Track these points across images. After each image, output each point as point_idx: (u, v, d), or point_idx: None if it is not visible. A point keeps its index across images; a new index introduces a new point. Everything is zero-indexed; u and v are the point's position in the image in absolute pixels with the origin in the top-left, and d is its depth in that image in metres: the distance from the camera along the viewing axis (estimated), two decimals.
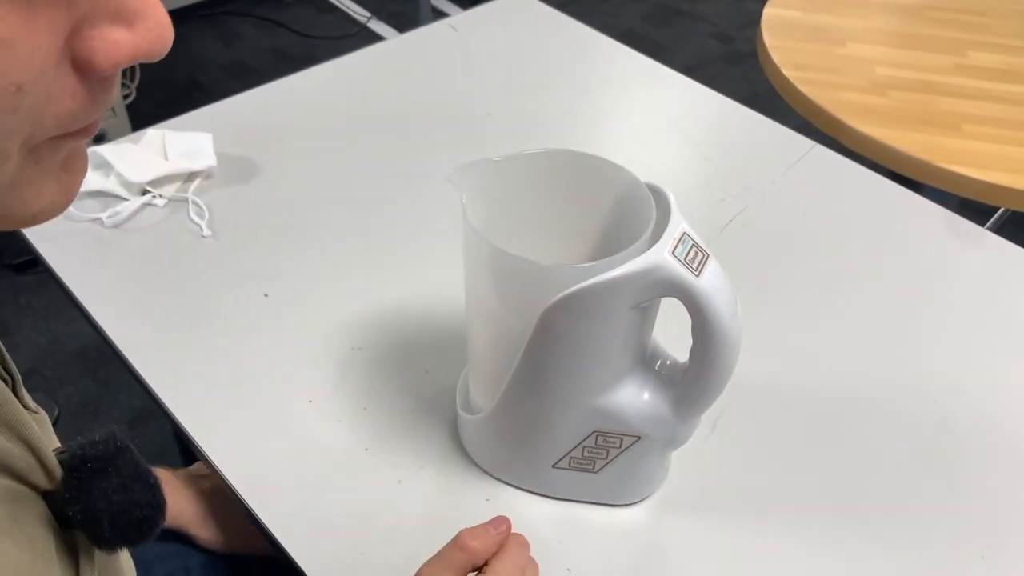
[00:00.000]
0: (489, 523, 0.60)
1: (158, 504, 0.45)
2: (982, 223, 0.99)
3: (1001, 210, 1.80)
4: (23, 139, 0.31)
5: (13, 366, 0.46)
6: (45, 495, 0.43)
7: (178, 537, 0.82)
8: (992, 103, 1.26)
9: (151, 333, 0.83)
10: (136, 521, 0.43)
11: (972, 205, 1.17)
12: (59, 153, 0.34)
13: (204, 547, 0.83)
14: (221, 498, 0.82)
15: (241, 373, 0.79)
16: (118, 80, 0.34)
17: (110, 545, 0.44)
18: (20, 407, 0.42)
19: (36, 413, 0.46)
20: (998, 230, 0.99)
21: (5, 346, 0.48)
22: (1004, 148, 1.18)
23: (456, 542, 0.58)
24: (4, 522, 0.38)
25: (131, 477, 0.44)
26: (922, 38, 1.40)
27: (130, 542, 0.44)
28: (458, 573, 0.58)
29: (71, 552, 0.44)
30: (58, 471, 0.43)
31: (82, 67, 0.31)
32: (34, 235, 0.92)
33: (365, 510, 0.69)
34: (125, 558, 0.55)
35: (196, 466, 0.88)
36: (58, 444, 0.46)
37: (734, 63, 2.78)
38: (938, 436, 0.77)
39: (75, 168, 0.36)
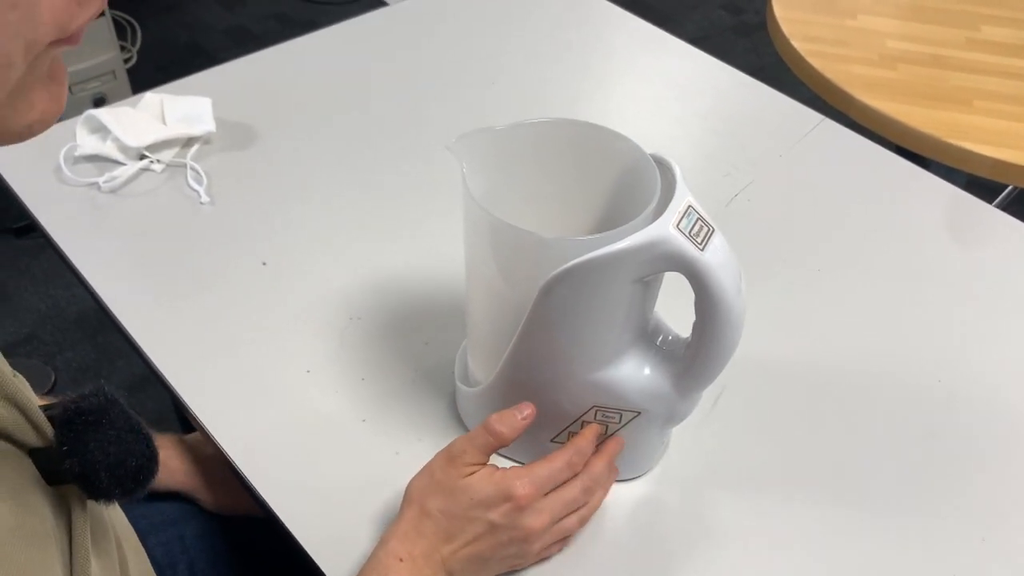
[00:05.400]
0: (515, 408, 0.62)
1: (152, 454, 0.46)
2: (990, 201, 0.98)
3: (1009, 188, 1.79)
4: (27, 43, 0.34)
5: None
6: (32, 453, 0.43)
7: (175, 499, 0.83)
8: (1005, 79, 1.24)
9: (148, 300, 0.82)
10: (132, 471, 0.44)
11: (980, 182, 1.15)
12: (47, 61, 0.37)
13: (207, 509, 0.83)
14: (223, 463, 0.82)
15: (238, 341, 0.79)
16: None
17: (107, 496, 0.44)
18: (1, 367, 0.42)
19: (15, 376, 0.46)
20: (1005, 208, 0.97)
21: (4, 311, 0.48)
22: (1015, 125, 1.16)
23: (484, 424, 0.61)
24: None
25: (124, 428, 0.44)
26: (934, 11, 1.38)
27: (127, 493, 0.45)
28: (482, 450, 0.61)
29: (62, 507, 0.44)
30: (47, 427, 0.44)
31: None
32: (30, 199, 0.91)
33: (362, 481, 0.69)
34: (116, 514, 0.55)
35: (197, 434, 0.87)
36: (40, 403, 0.46)
37: (743, 35, 2.75)
38: (941, 416, 0.76)
39: (60, 77, 0.38)
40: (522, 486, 0.59)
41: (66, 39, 0.36)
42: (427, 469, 0.62)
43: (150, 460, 0.46)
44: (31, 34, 0.34)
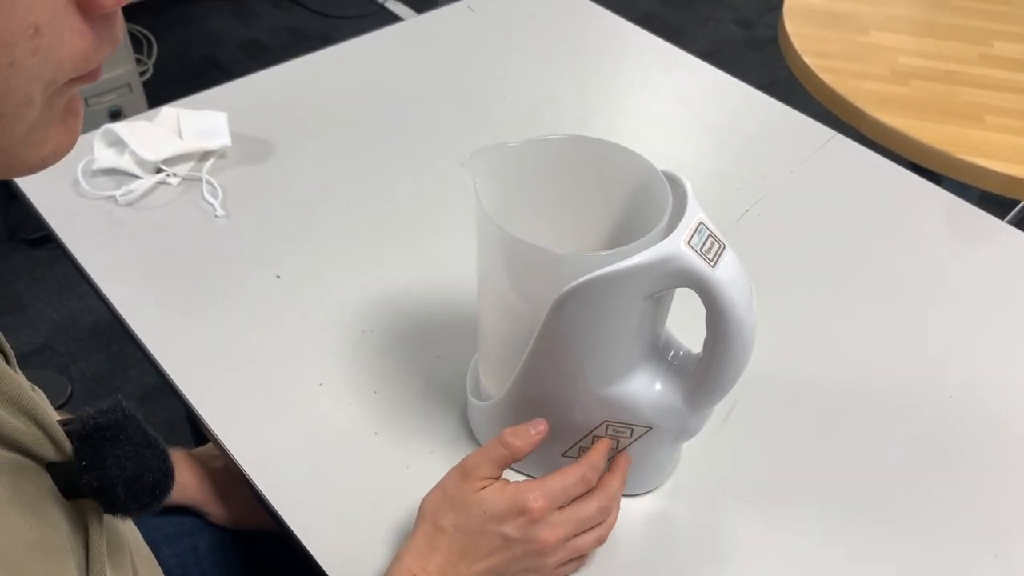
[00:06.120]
0: (529, 423, 0.62)
1: (168, 470, 0.47)
2: (1002, 216, 0.98)
3: (1021, 203, 1.78)
4: (45, 83, 0.35)
5: (7, 344, 0.46)
6: (50, 467, 0.44)
7: (187, 512, 0.83)
8: (1017, 95, 1.24)
9: (162, 312, 0.83)
10: (149, 486, 0.45)
11: (992, 198, 1.15)
12: (66, 97, 0.38)
13: (215, 523, 0.83)
14: (232, 477, 0.83)
15: (252, 354, 0.79)
16: (120, 18, 0.37)
17: (123, 511, 0.45)
18: (21, 381, 0.43)
19: (33, 391, 0.46)
20: (1018, 224, 0.97)
21: (20, 321, 0.48)
22: None
23: (498, 438, 0.61)
24: (7, 492, 0.39)
25: (141, 444, 0.45)
26: (946, 27, 1.38)
27: (143, 507, 0.46)
28: (496, 464, 0.61)
29: (79, 521, 0.45)
30: (66, 442, 0.44)
31: (86, 5, 0.35)
32: (47, 211, 0.92)
33: (374, 494, 0.69)
34: (128, 525, 0.56)
35: (207, 447, 0.88)
36: (57, 418, 0.47)
37: (755, 48, 2.75)
38: (953, 432, 0.76)
39: (76, 109, 0.39)
40: (535, 499, 0.59)
41: (85, 77, 0.37)
42: (440, 485, 0.62)
43: (166, 475, 0.46)
44: (50, 75, 0.35)
